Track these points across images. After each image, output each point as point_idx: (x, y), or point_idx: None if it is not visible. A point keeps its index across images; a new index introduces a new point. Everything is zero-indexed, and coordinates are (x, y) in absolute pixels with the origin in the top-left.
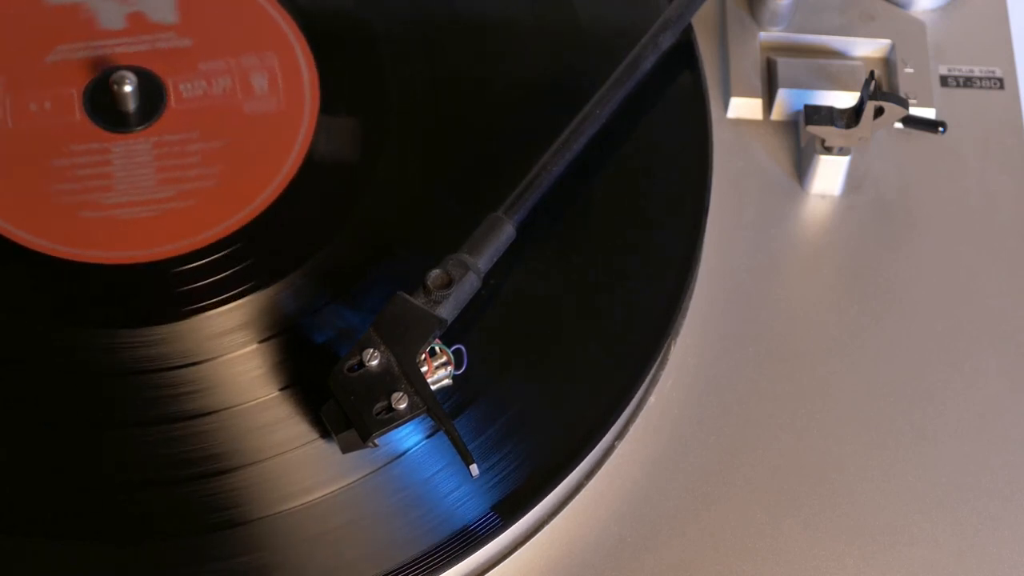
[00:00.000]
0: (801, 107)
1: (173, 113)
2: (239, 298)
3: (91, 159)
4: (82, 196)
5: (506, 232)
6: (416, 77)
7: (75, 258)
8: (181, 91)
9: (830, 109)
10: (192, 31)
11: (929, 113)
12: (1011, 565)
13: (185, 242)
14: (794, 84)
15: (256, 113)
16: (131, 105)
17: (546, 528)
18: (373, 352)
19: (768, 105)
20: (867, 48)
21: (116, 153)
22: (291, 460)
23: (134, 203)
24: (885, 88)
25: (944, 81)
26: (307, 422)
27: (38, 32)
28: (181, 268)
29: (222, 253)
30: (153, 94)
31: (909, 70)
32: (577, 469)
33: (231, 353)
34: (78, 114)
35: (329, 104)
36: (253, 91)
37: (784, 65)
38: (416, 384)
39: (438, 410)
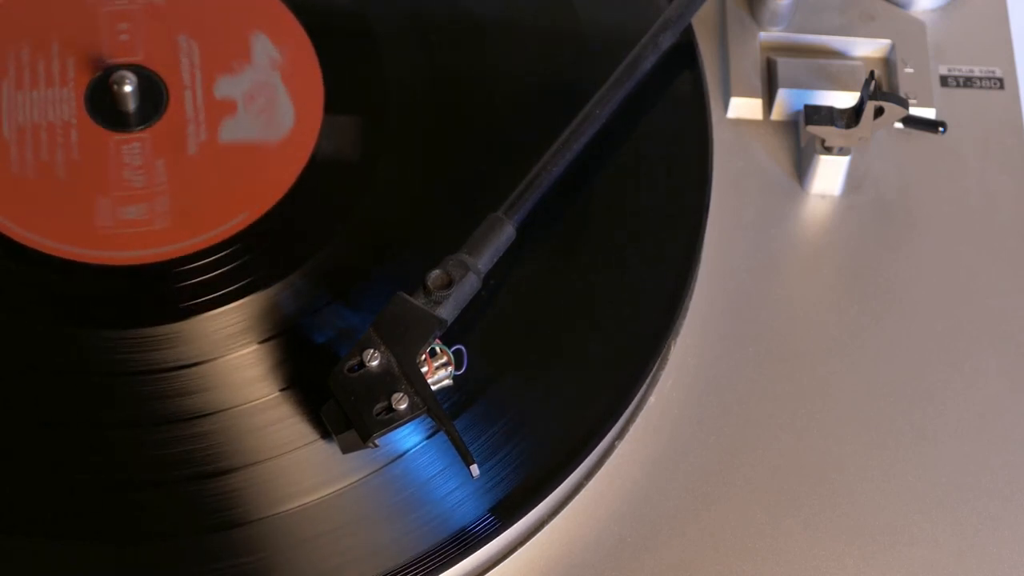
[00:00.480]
0: (801, 107)
1: (174, 111)
2: (239, 298)
3: (115, 161)
4: (92, 195)
5: (506, 232)
6: (417, 77)
7: (76, 258)
8: (214, 91)
9: (830, 109)
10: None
11: (929, 113)
12: (1011, 565)
13: (186, 243)
14: (794, 84)
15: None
16: (131, 104)
17: (546, 528)
18: (373, 352)
19: (768, 105)
20: (867, 48)
21: (125, 152)
22: (291, 460)
23: (152, 195)
24: (885, 88)
25: (944, 81)
26: (307, 422)
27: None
28: (181, 268)
29: (223, 253)
30: (154, 93)
31: (909, 70)
32: (577, 469)
33: (231, 353)
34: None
35: (331, 104)
36: (272, 110)
37: (784, 65)
38: (416, 384)
39: (438, 410)
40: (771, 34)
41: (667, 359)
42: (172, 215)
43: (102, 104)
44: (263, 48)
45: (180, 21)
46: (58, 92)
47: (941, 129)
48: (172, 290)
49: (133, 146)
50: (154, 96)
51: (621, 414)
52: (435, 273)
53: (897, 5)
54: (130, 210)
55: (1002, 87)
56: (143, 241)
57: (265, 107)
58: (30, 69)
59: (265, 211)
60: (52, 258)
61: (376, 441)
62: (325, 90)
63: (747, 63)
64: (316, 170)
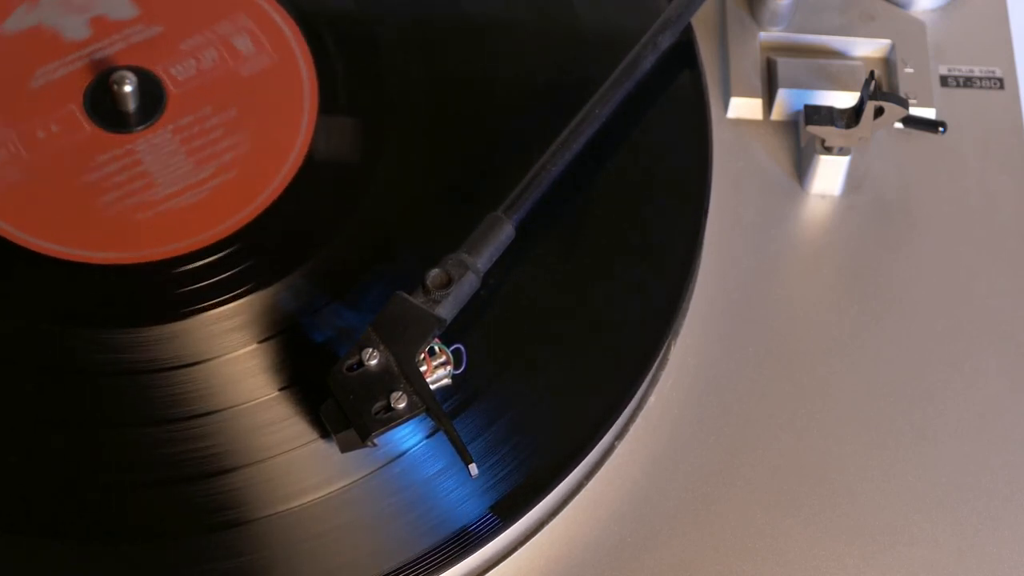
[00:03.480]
0: (801, 107)
1: (176, 98)
2: (239, 298)
3: (121, 163)
4: (130, 200)
5: (505, 232)
6: (416, 77)
7: (76, 259)
8: (174, 75)
9: (830, 109)
10: (157, 19)
11: (929, 113)
12: (1011, 565)
13: (185, 242)
14: (794, 84)
15: (254, 73)
16: (132, 104)
17: (546, 528)
18: (372, 352)
19: (768, 105)
20: (867, 48)
21: (142, 151)
22: (291, 460)
23: (181, 191)
24: (885, 88)
25: (944, 81)
26: (307, 422)
27: (10, 63)
28: (181, 268)
29: (222, 253)
30: (150, 87)
31: (909, 70)
32: (577, 469)
33: (231, 353)
34: (87, 126)
35: (329, 104)
36: (241, 54)
37: (784, 65)
38: (415, 384)
39: (437, 410)
40: (771, 34)
41: (667, 359)
42: (221, 191)
43: (105, 109)
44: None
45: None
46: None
47: (941, 129)
48: (172, 290)
49: (154, 139)
50: (152, 89)
51: (621, 414)
52: (434, 272)
53: (897, 5)
54: (180, 198)
55: (1002, 87)
56: (144, 241)
57: (259, 64)
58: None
59: (264, 211)
60: (52, 259)
61: (375, 440)
62: (322, 89)
63: (747, 63)
64: (315, 170)
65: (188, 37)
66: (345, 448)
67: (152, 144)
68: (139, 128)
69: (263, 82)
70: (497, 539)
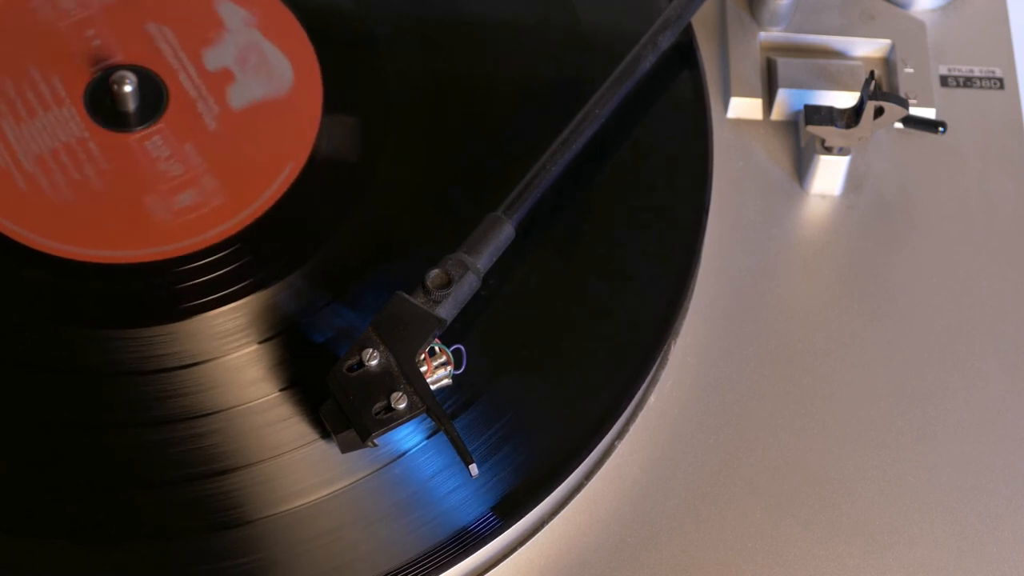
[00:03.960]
0: (801, 107)
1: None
2: (239, 298)
3: (130, 161)
4: (138, 197)
5: (505, 232)
6: (417, 77)
7: (75, 257)
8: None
9: (830, 109)
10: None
11: (929, 113)
12: (1011, 565)
13: (186, 242)
14: (794, 84)
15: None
16: (132, 104)
17: (546, 528)
18: (372, 352)
19: (768, 105)
20: (867, 48)
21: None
22: (291, 460)
23: (205, 173)
24: (885, 88)
25: (944, 81)
26: (307, 422)
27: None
28: (181, 268)
29: (222, 253)
30: (150, 86)
31: (909, 70)
32: (577, 469)
33: (231, 353)
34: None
35: (331, 104)
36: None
37: (784, 65)
38: (415, 384)
39: (437, 410)
40: (771, 34)
41: (667, 359)
42: (224, 189)
43: (102, 107)
44: (231, 12)
45: (144, 11)
46: (58, 113)
47: (941, 129)
48: (172, 290)
49: (155, 140)
50: (152, 89)
51: (621, 414)
52: (434, 272)
53: (897, 5)
54: (182, 198)
55: (1002, 87)
56: (144, 241)
57: (259, 64)
58: (21, 100)
59: (265, 210)
60: (53, 257)
61: (375, 440)
62: (326, 89)
63: (747, 63)
64: (315, 170)
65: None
66: (345, 448)
67: (162, 138)
68: (144, 125)
69: (253, 59)
70: (497, 539)
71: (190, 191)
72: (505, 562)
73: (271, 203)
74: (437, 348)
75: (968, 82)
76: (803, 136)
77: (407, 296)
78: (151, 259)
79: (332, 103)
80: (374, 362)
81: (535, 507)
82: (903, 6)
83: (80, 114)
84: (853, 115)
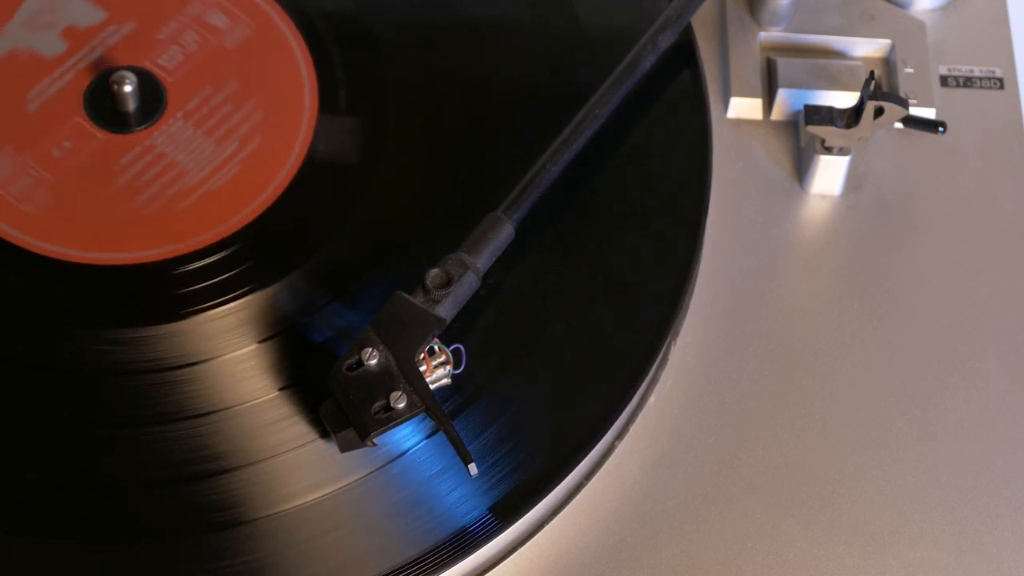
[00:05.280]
0: (801, 107)
1: (174, 86)
2: (239, 298)
3: (145, 160)
4: (168, 191)
5: (505, 231)
6: (416, 77)
7: (76, 259)
8: (163, 64)
9: (830, 109)
10: (126, 16)
11: (929, 113)
12: (1011, 565)
13: (185, 242)
14: (794, 84)
15: (238, 43)
16: (133, 103)
17: (546, 528)
18: (372, 351)
19: (768, 105)
20: (867, 48)
21: (161, 143)
22: (291, 460)
23: (213, 171)
24: (885, 88)
25: (944, 81)
26: (307, 422)
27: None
28: (181, 268)
29: (222, 253)
30: (147, 82)
31: (909, 70)
32: (577, 469)
33: (231, 353)
34: (99, 134)
35: (329, 104)
36: (219, 28)
37: (784, 65)
38: (415, 383)
39: (436, 409)
40: (771, 34)
41: (667, 359)
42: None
43: (102, 107)
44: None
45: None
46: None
47: (941, 129)
48: (172, 290)
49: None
50: (151, 89)
51: (621, 414)
52: (434, 272)
53: (897, 5)
54: (217, 177)
55: (1002, 87)
56: (145, 242)
57: (240, 34)
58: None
59: (264, 210)
60: (52, 259)
61: (374, 440)
62: (323, 89)
63: (747, 63)
64: (315, 170)
65: (163, 26)
66: (345, 448)
67: (169, 135)
68: (148, 123)
69: (250, 50)
70: (497, 539)
71: (190, 191)
72: (505, 562)
73: (271, 203)
74: (436, 347)
75: (968, 82)
76: (803, 136)
77: (407, 296)
78: (151, 259)
79: (331, 103)
80: (373, 361)
81: (535, 507)
82: (903, 6)
83: (87, 123)
84: (853, 115)
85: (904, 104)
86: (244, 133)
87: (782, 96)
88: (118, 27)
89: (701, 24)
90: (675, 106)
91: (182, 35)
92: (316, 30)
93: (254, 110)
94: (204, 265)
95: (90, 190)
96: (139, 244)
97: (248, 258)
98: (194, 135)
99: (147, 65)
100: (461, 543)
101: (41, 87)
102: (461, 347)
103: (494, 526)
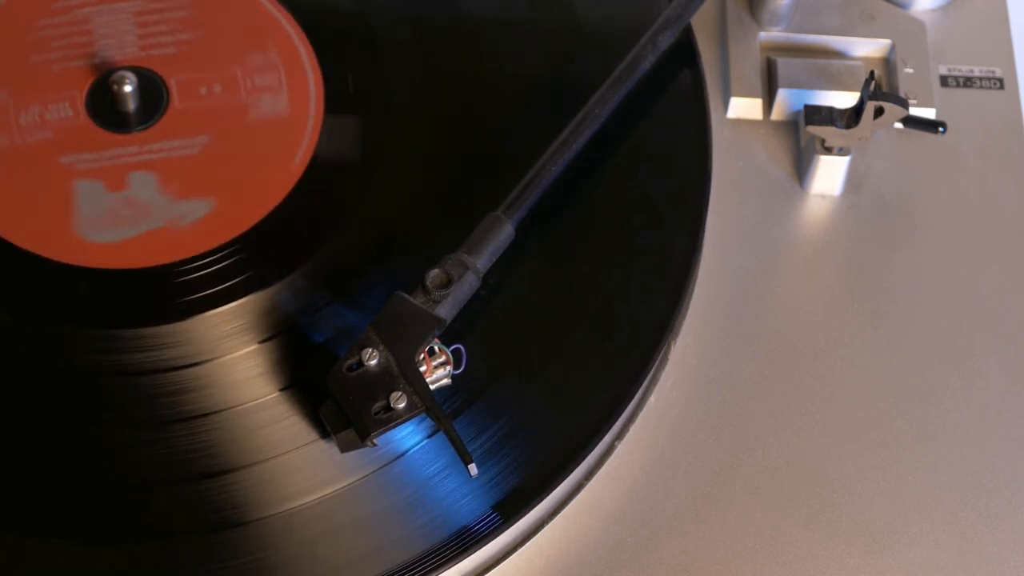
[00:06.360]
0: (801, 107)
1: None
2: (239, 298)
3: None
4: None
5: (505, 231)
6: (416, 77)
7: (77, 262)
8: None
9: (830, 109)
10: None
11: (929, 113)
12: (1011, 565)
13: (186, 244)
14: (794, 84)
15: (262, 117)
16: (132, 104)
17: (546, 528)
18: (372, 351)
19: (768, 105)
20: (867, 48)
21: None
22: (291, 460)
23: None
24: (885, 88)
25: (944, 81)
26: (307, 422)
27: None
28: (182, 268)
29: (223, 254)
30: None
31: (909, 70)
32: (577, 469)
33: (231, 353)
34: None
35: (333, 105)
36: (260, 92)
37: (784, 65)
38: (415, 383)
39: (437, 409)
40: (771, 34)
41: (667, 359)
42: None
43: (102, 107)
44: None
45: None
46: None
47: (941, 129)
48: (172, 290)
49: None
50: (151, 89)
51: (621, 414)
52: (434, 272)
53: (897, 5)
54: (181, 198)
55: (1002, 87)
56: (207, 224)
57: (273, 108)
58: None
59: (265, 211)
60: (53, 261)
61: (374, 440)
62: (327, 90)
63: (747, 63)
64: (316, 170)
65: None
66: (345, 448)
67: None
68: (144, 126)
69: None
70: (497, 539)
71: (190, 191)
72: (505, 562)
73: (271, 204)
74: (436, 348)
75: (968, 82)
76: (803, 136)
77: (407, 296)
78: (152, 262)
79: (332, 103)
80: (373, 362)
81: (535, 507)
82: (903, 6)
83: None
84: (853, 115)
85: (904, 104)
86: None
87: (782, 96)
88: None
89: (701, 24)
90: (675, 106)
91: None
92: (319, 30)
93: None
94: (205, 265)
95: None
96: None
97: (249, 258)
98: (188, 139)
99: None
100: (461, 543)
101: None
102: (461, 347)
103: (494, 526)
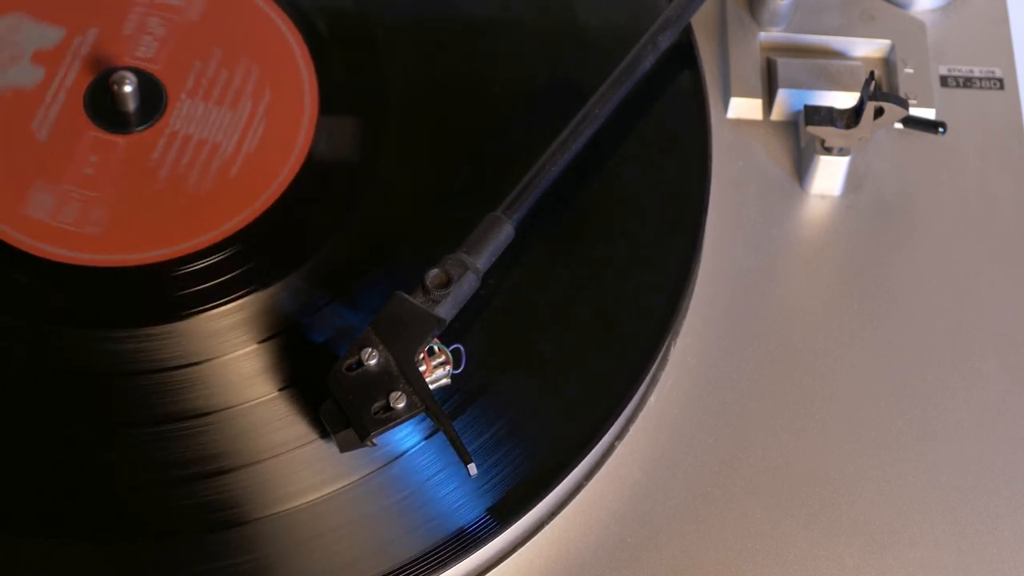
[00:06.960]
0: (801, 107)
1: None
2: (239, 298)
3: (174, 148)
4: (212, 167)
5: (505, 231)
6: (416, 77)
7: (76, 261)
8: (142, 56)
9: (830, 109)
10: (85, 24)
11: (929, 113)
12: (1011, 565)
13: (186, 243)
14: (794, 84)
15: (202, 12)
16: (132, 103)
17: (545, 529)
18: (372, 351)
19: (768, 105)
20: (867, 48)
21: (181, 127)
22: (291, 460)
23: (242, 135)
24: (885, 88)
25: (944, 81)
26: (307, 422)
27: (5, 135)
28: (181, 268)
29: (222, 253)
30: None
31: (909, 70)
32: (577, 469)
33: (230, 353)
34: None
35: (329, 105)
36: (176, 6)
37: (784, 65)
38: (414, 383)
39: (436, 409)
40: (771, 34)
41: (667, 359)
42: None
43: (102, 107)
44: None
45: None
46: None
47: (941, 129)
48: (172, 290)
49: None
50: (151, 89)
51: (621, 414)
52: (434, 272)
53: (897, 5)
54: (180, 199)
55: (1002, 87)
56: (207, 223)
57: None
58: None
59: (264, 211)
60: (53, 261)
61: (374, 440)
62: (323, 90)
63: (747, 63)
64: (315, 170)
65: (124, 21)
66: (344, 448)
67: (184, 117)
68: (156, 118)
69: (218, 13)
70: (497, 539)
71: (232, 159)
72: (505, 562)
73: (271, 203)
74: (436, 348)
75: (968, 82)
76: (803, 136)
77: (406, 296)
78: (151, 260)
79: (331, 103)
80: (373, 362)
81: (534, 507)
82: (903, 6)
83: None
84: (853, 115)
85: (904, 104)
86: (251, 89)
87: (782, 96)
88: (82, 36)
89: (701, 24)
90: (675, 106)
91: (146, 22)
92: (316, 30)
93: (250, 67)
94: (204, 265)
95: (138, 193)
96: (138, 245)
97: (248, 258)
98: (207, 108)
99: (127, 62)
100: (461, 543)
101: (41, 116)
102: (461, 347)
103: (494, 526)
